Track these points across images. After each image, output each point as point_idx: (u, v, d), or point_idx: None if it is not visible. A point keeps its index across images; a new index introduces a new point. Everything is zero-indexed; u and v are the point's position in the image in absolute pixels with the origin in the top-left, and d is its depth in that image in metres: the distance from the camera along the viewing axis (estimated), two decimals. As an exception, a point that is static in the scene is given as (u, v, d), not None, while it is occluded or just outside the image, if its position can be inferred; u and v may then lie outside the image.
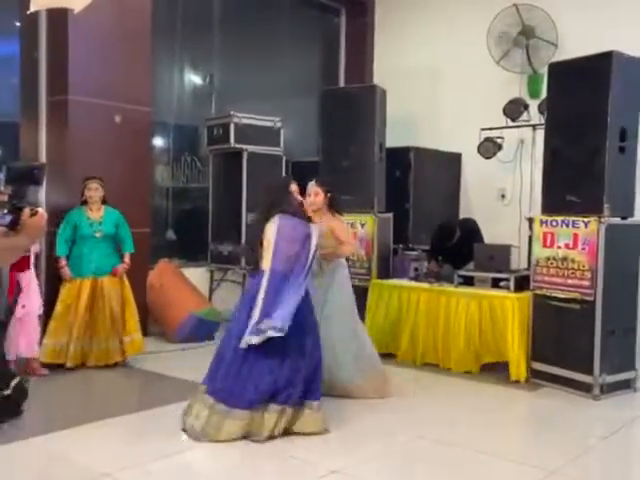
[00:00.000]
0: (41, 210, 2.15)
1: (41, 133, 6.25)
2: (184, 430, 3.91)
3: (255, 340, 3.76)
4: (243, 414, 3.79)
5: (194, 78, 8.03)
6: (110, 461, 3.55)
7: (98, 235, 5.47)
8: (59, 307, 5.39)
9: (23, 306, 5.06)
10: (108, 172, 5.70)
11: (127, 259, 5.59)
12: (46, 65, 6.19)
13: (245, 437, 3.81)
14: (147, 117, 6.50)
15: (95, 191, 5.48)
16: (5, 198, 4.86)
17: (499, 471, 3.59)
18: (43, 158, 6.26)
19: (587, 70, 4.89)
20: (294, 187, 4.34)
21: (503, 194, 7.54)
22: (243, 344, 3.80)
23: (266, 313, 3.79)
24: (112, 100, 6.18)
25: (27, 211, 2.14)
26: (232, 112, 6.86)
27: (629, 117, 4.90)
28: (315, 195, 4.68)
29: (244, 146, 6.85)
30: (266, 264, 3.93)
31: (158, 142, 7.61)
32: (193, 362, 5.26)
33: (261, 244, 4.02)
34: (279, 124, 7.14)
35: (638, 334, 5.10)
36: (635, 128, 4.96)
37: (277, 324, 3.73)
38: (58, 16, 5.97)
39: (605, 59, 4.74)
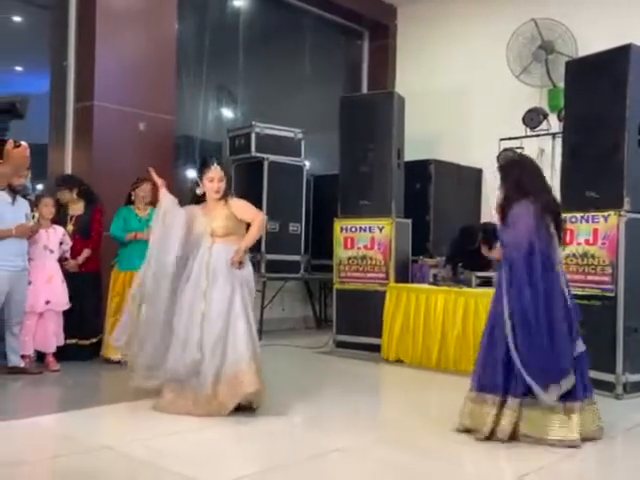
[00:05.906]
0: (24, 143, 2.23)
1: (68, 140, 6.44)
2: None
3: None
4: None
5: (222, 102, 8.21)
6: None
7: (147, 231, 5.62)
8: (113, 303, 5.51)
9: (47, 302, 5.11)
10: (132, 177, 5.79)
11: None
12: (74, 75, 6.42)
13: None
14: (171, 125, 6.65)
15: (149, 192, 5.64)
16: None
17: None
18: (69, 165, 6.44)
19: (604, 65, 4.87)
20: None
21: (526, 208, 7.45)
22: None
23: None
24: (137, 107, 6.36)
25: (11, 142, 2.21)
26: (254, 122, 6.98)
27: (647, 111, 4.84)
28: (219, 181, 4.18)
29: (265, 155, 6.93)
30: None
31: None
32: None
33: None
34: (300, 135, 7.25)
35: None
36: (654, 122, 4.89)
37: None
38: (87, 33, 6.25)
39: (623, 52, 4.73)
